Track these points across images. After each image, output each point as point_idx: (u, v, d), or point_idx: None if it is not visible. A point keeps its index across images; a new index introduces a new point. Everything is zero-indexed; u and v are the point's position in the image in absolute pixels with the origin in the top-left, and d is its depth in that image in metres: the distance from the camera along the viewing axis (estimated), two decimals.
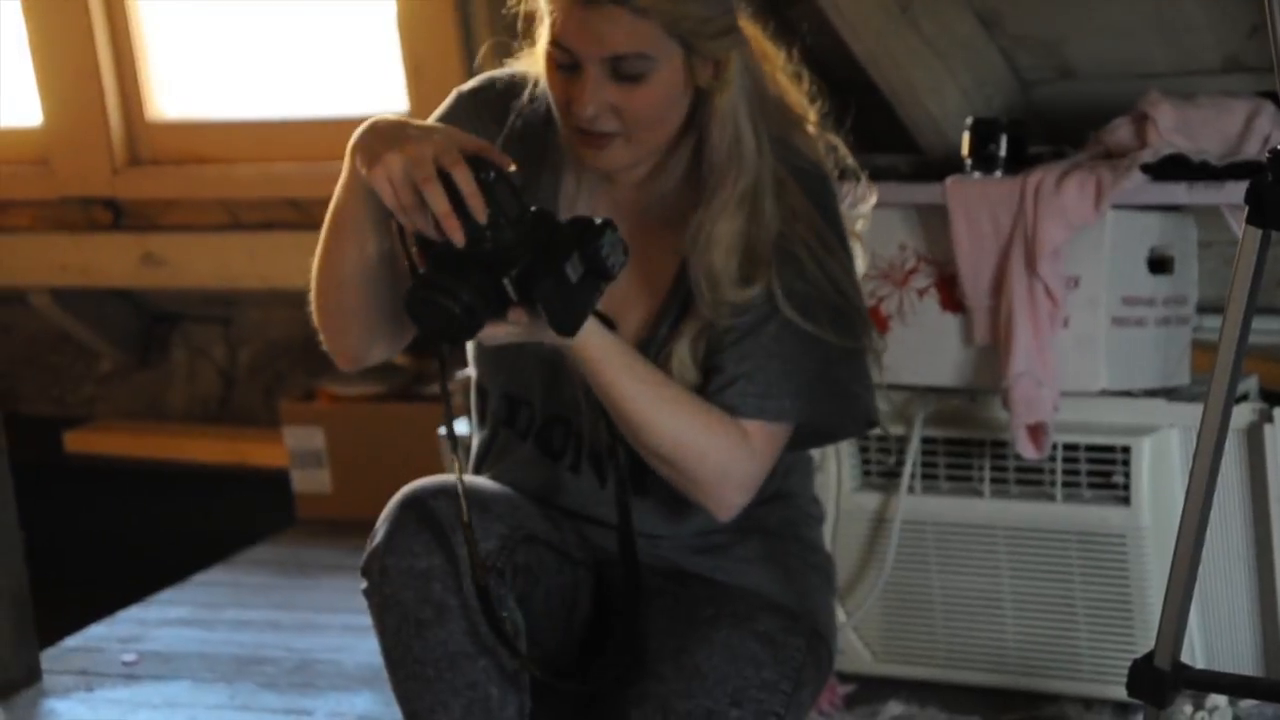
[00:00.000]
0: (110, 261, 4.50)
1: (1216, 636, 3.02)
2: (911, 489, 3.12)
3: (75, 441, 4.77)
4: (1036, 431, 2.97)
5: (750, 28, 2.28)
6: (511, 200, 2.08)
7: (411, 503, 2.20)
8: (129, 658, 3.62)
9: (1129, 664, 2.19)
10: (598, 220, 2.10)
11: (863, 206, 2.45)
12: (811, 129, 2.35)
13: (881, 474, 3.16)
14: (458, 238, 2.06)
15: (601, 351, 2.17)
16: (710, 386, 2.24)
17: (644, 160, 2.25)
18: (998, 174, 3.06)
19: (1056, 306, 2.96)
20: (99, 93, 4.41)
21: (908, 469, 3.11)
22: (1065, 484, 3.02)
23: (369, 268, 2.20)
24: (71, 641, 3.72)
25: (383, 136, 2.09)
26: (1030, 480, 3.06)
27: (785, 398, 2.24)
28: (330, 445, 4.32)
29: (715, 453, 2.21)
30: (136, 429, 4.79)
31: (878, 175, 3.20)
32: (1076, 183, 2.95)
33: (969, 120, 3.10)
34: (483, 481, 2.33)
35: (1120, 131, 3.05)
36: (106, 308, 4.73)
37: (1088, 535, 3.01)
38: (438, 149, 2.06)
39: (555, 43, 2.16)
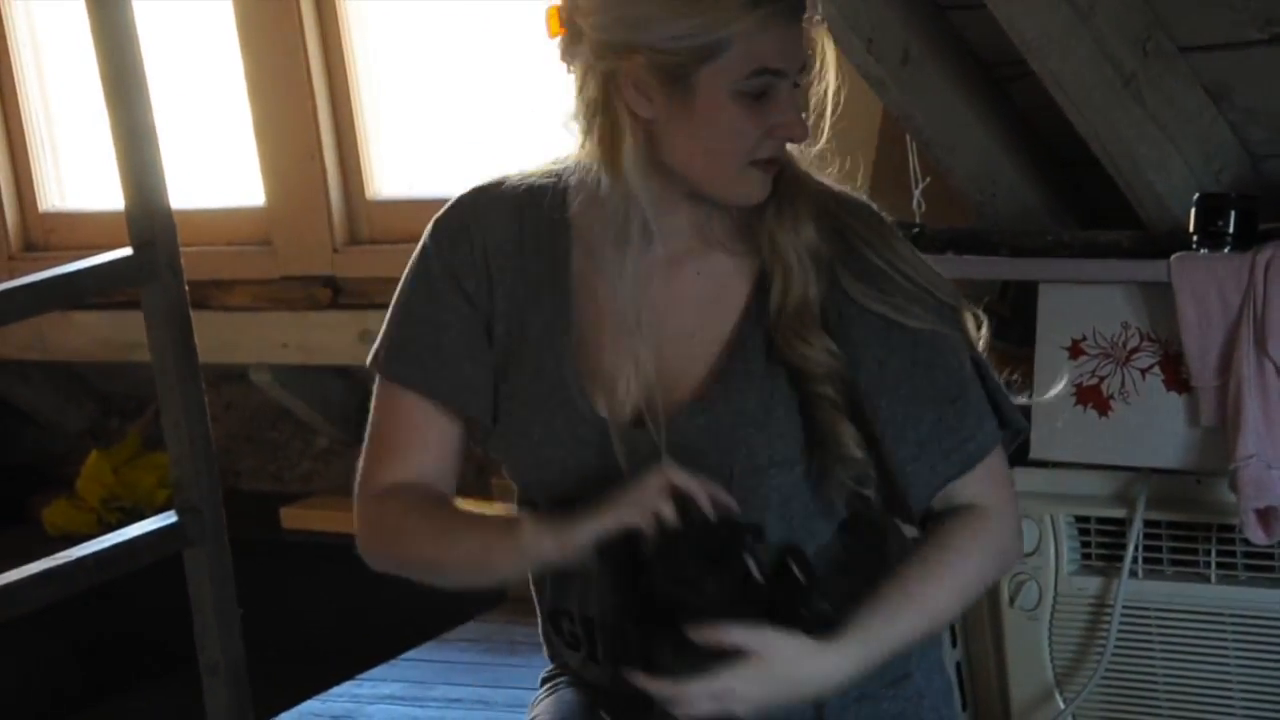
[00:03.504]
0: (329, 339, 4.55)
1: None
2: (1134, 573, 3.04)
3: (292, 518, 4.81)
4: (1267, 516, 2.88)
5: None
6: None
7: None
8: None
9: None
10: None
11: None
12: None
13: (1101, 557, 3.09)
14: (720, 502, 2.01)
15: (863, 651, 2.05)
16: (897, 460, 2.10)
17: None
18: (1226, 250, 2.97)
19: None
20: (321, 173, 4.47)
21: (1129, 552, 3.03)
22: None
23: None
24: (285, 717, 3.76)
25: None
26: (1260, 566, 2.96)
27: (973, 430, 2.11)
28: None
29: (986, 565, 2.13)
30: (351, 506, 4.82)
31: (1099, 251, 3.16)
32: None
33: (1196, 195, 3.03)
34: None
35: None
36: (325, 385, 4.79)
37: None
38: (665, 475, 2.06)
39: (760, 70, 2.04)
